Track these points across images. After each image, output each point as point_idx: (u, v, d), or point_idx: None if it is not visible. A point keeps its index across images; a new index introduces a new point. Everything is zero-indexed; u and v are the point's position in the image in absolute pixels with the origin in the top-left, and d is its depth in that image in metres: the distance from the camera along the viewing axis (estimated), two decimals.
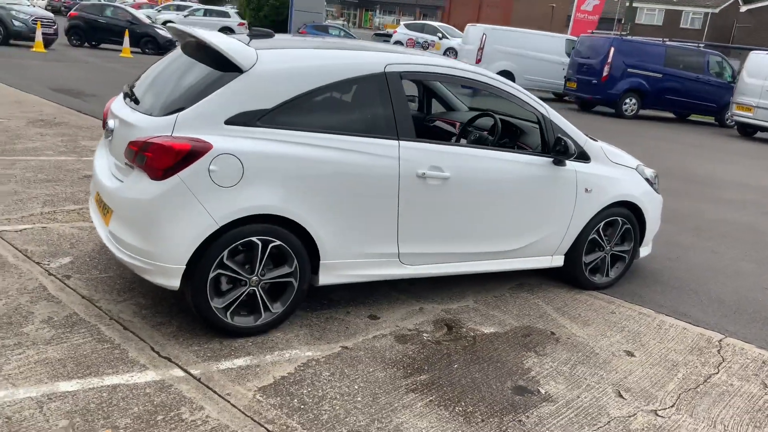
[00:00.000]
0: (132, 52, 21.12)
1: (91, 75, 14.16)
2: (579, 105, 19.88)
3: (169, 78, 3.75)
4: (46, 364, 3.11)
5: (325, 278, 3.76)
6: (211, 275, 3.37)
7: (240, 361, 3.35)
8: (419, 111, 5.62)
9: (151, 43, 22.62)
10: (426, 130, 5.18)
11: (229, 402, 2.99)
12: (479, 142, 4.57)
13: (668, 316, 4.55)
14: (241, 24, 34.15)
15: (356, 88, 3.76)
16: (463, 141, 4.75)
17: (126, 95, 3.87)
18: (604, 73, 17.75)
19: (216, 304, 3.44)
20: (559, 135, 4.33)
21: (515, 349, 3.83)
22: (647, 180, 4.97)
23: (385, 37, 29.42)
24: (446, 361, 3.60)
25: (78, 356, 3.21)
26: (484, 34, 20.54)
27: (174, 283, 3.35)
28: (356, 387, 3.23)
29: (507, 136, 4.74)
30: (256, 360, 3.38)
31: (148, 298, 3.93)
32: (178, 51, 4.01)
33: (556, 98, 22.05)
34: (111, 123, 3.77)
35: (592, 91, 18.23)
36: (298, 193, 3.47)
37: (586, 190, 4.52)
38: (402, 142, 3.79)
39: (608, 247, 4.82)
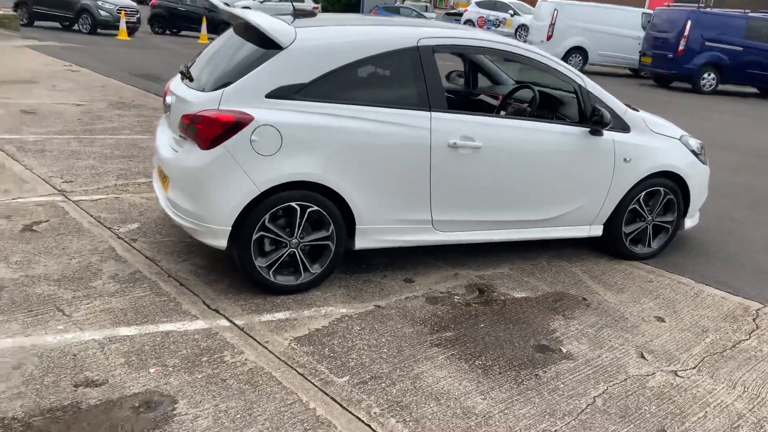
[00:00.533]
0: (209, 38, 21.94)
1: (169, 60, 14.91)
2: (655, 80, 19.26)
3: (221, 57, 4.07)
4: (109, 313, 3.52)
5: (361, 242, 4.01)
6: (255, 237, 3.69)
7: (280, 315, 3.66)
8: (465, 86, 5.76)
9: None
10: (470, 103, 5.33)
11: (266, 348, 3.30)
12: (517, 114, 4.69)
13: (708, 286, 4.56)
14: (314, 8, 34.69)
15: (390, 62, 3.97)
16: (502, 113, 4.87)
17: (182, 74, 4.22)
18: (681, 47, 17.12)
19: (260, 263, 3.76)
20: (596, 105, 4.39)
21: (543, 312, 3.98)
22: (692, 151, 4.94)
23: (456, 17, 29.27)
24: (473, 320, 3.79)
25: (138, 307, 3.61)
26: (555, 9, 20.14)
27: (221, 243, 3.70)
28: (384, 340, 3.48)
29: (547, 107, 4.83)
30: (295, 314, 3.68)
31: (205, 259, 4.30)
32: (230, 32, 4.33)
33: (633, 74, 21.41)
34: (169, 100, 4.14)
35: (668, 66, 17.64)
36: (333, 162, 3.73)
37: (625, 159, 4.56)
38: (434, 113, 3.97)
39: (650, 218, 4.84)
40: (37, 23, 20.13)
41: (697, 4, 21.69)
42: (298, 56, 3.71)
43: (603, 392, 3.17)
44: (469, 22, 27.35)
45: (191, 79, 4.03)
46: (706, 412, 3.08)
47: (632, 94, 15.10)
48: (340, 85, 3.79)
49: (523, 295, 4.19)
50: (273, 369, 3.13)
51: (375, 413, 2.87)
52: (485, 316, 3.86)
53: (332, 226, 3.85)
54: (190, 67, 4.22)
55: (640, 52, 19.02)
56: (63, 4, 19.83)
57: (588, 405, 3.06)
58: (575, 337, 3.69)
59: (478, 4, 27.78)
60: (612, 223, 4.74)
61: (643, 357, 3.53)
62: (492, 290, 4.22)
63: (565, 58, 20.31)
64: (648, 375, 3.35)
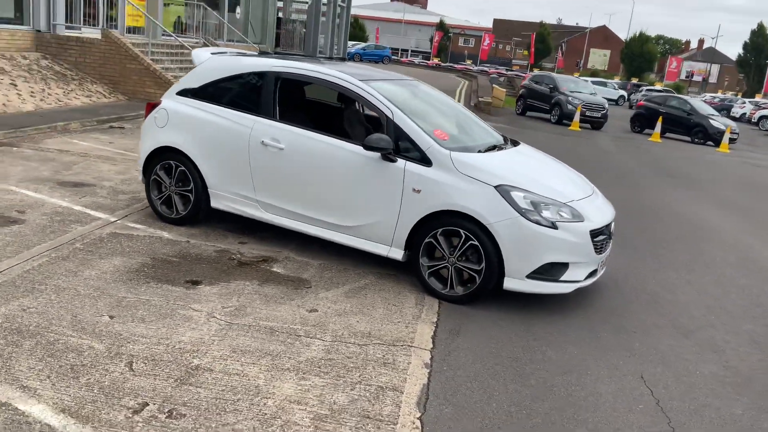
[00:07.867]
0: (676, 139, 22.16)
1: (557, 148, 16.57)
2: None
3: None
4: (76, 199, 6.34)
5: (214, 203, 5.74)
6: (152, 178, 5.94)
7: (138, 226, 5.81)
8: None
9: (701, 133, 22.96)
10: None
11: (96, 229, 5.57)
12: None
13: (422, 322, 4.38)
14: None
15: (247, 80, 5.61)
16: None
17: None
18: None
19: (154, 195, 5.98)
20: (378, 134, 4.88)
21: (257, 276, 4.89)
22: (514, 204, 4.58)
23: None
24: (204, 263, 5.08)
25: (98, 204, 6.32)
26: None
27: (140, 177, 6.09)
28: (140, 248, 5.24)
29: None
30: (145, 227, 5.76)
31: None
32: None
33: None
34: None
35: None
36: (192, 138, 5.67)
37: (414, 189, 4.79)
38: (258, 118, 5.42)
39: (452, 259, 4.76)
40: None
41: None
42: (199, 71, 5.83)
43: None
44: None
45: None
46: None
47: None
48: (213, 91, 5.70)
49: (281, 272, 5.09)
50: (74, 234, 5.41)
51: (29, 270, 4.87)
52: (222, 265, 5.07)
53: (191, 183, 5.75)
54: None
55: None
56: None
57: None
58: (226, 287, 4.62)
59: None
60: (410, 252, 4.94)
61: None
62: (271, 263, 5.25)
63: None
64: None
